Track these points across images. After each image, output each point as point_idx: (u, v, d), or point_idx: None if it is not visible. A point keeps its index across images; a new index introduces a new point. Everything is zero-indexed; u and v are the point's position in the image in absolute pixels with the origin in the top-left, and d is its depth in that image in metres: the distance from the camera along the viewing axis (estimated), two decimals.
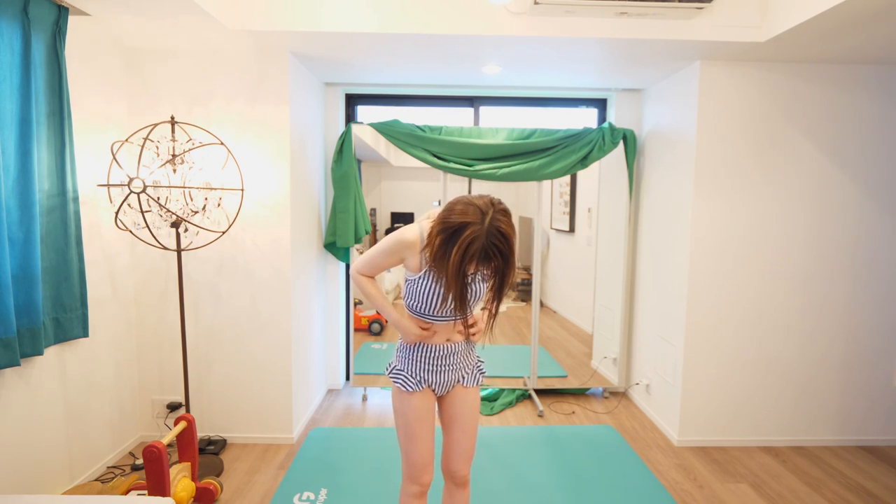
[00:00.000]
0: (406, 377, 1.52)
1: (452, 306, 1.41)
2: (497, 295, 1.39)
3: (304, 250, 2.91)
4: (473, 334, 1.54)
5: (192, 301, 2.65)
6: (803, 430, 2.79)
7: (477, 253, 1.25)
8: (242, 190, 2.45)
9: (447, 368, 1.54)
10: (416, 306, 1.48)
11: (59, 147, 2.01)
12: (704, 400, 2.76)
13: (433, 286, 1.42)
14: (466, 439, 1.57)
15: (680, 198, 2.78)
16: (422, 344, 1.51)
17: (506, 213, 1.29)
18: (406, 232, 1.42)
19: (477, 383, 1.61)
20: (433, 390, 1.55)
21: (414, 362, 1.52)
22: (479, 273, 1.37)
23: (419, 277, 1.44)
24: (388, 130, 3.15)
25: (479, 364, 1.64)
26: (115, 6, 2.02)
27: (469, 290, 1.42)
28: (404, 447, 1.53)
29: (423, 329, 1.49)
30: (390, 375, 1.55)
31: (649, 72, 2.87)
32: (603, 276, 3.50)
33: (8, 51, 1.78)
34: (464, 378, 1.58)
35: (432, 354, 1.51)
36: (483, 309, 1.56)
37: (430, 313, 1.47)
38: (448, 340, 1.53)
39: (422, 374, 1.52)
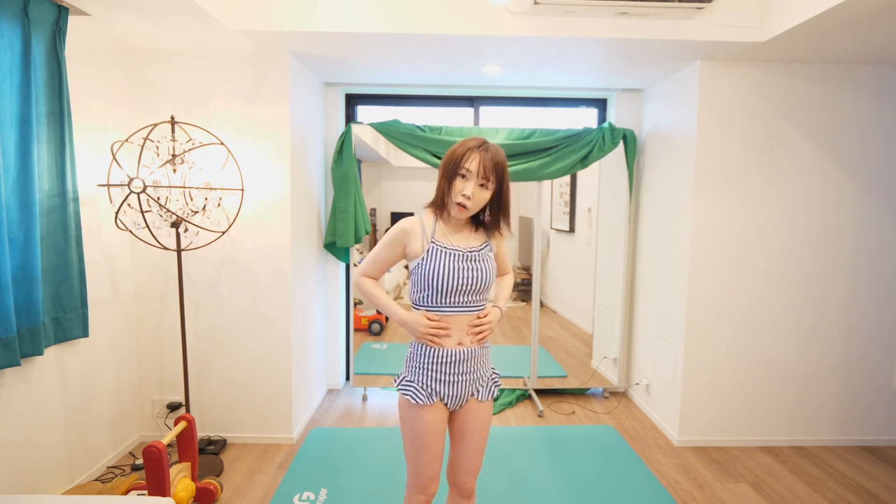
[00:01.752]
0: (417, 389, 1.44)
1: (456, 285, 1.40)
2: (495, 214, 1.47)
3: (304, 250, 2.91)
4: (483, 330, 1.46)
5: (192, 301, 2.65)
6: (803, 430, 2.79)
7: (475, 146, 1.38)
8: (242, 190, 2.46)
9: (461, 379, 1.45)
10: (425, 294, 1.43)
11: (59, 147, 2.01)
12: (704, 400, 2.76)
13: (438, 263, 1.40)
14: (476, 454, 1.52)
15: (680, 198, 2.78)
16: (432, 350, 1.44)
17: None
18: (405, 221, 1.48)
19: (491, 396, 1.53)
20: (445, 404, 1.47)
21: (425, 372, 1.44)
22: (479, 184, 1.39)
23: (423, 258, 1.42)
24: (388, 130, 3.15)
25: (494, 376, 1.56)
26: (115, 6, 2.02)
27: (476, 269, 1.43)
28: (412, 459, 1.47)
29: (431, 321, 1.42)
30: (399, 387, 1.47)
31: (649, 72, 2.87)
32: (603, 276, 3.50)
33: (8, 51, 1.78)
34: (479, 391, 1.50)
35: (444, 361, 1.43)
36: (494, 307, 1.54)
37: (437, 302, 1.42)
38: (460, 344, 1.44)
39: (433, 386, 1.44)
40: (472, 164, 1.36)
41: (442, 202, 1.43)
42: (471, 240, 1.48)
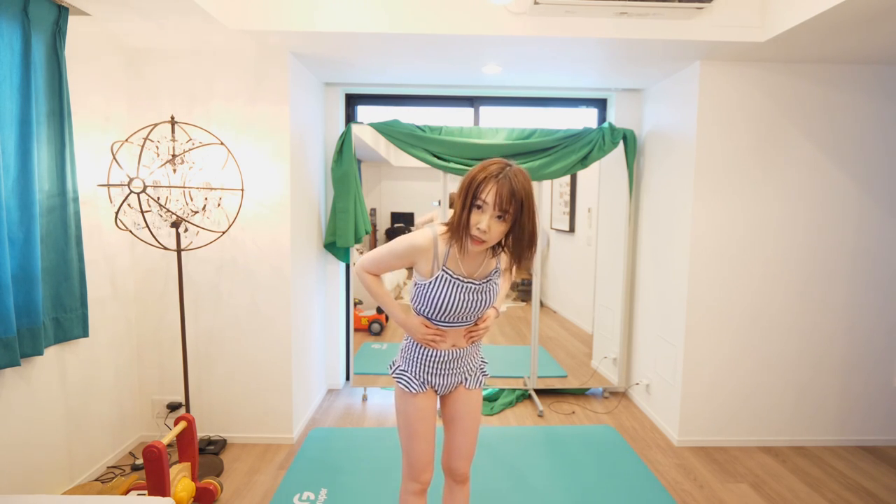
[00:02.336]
0: (410, 378, 1.52)
1: (459, 311, 1.43)
2: (517, 251, 1.36)
3: (304, 250, 2.91)
4: (477, 333, 1.52)
5: (192, 301, 2.65)
6: (803, 430, 2.79)
7: (493, 173, 1.26)
8: (242, 190, 2.45)
9: (451, 371, 1.53)
10: (425, 311, 1.47)
11: (59, 147, 2.01)
12: (704, 400, 2.76)
13: (444, 292, 1.41)
14: (467, 439, 1.57)
15: (680, 198, 2.78)
16: (427, 348, 1.50)
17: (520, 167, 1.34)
18: (418, 237, 1.40)
19: (480, 385, 1.61)
20: (436, 391, 1.55)
21: (418, 363, 1.52)
22: (497, 215, 1.29)
23: (430, 283, 1.42)
24: (388, 130, 3.15)
25: (482, 366, 1.63)
26: (115, 6, 2.02)
27: (480, 297, 1.43)
28: (405, 446, 1.53)
29: (430, 328, 1.47)
30: (394, 375, 1.56)
31: (649, 72, 2.87)
32: (603, 276, 3.50)
33: (8, 51, 1.78)
34: (467, 380, 1.57)
35: (437, 357, 1.51)
36: (491, 307, 1.56)
37: (438, 319, 1.46)
38: (454, 346, 1.52)
39: (425, 376, 1.52)
40: (489, 195, 1.26)
41: (459, 229, 1.32)
42: (483, 268, 1.45)
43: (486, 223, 1.28)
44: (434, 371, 1.52)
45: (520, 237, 1.32)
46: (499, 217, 1.29)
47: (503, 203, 1.26)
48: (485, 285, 1.45)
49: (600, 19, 2.28)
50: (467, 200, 1.29)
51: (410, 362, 1.53)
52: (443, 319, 1.46)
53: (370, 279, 1.51)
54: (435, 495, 2.14)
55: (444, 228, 1.40)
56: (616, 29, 2.29)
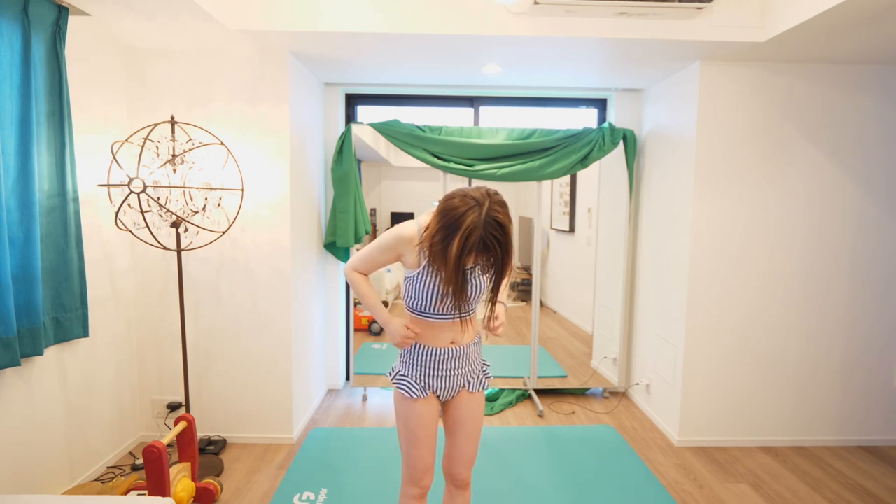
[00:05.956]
0: (410, 383, 1.48)
1: (452, 302, 1.40)
2: (495, 287, 1.39)
3: (304, 250, 2.91)
4: (496, 328, 1.48)
5: (192, 301, 2.65)
6: (803, 430, 2.79)
7: (475, 244, 1.24)
8: (242, 190, 2.45)
9: (453, 373, 1.50)
10: (417, 304, 1.45)
11: (59, 147, 2.01)
12: (704, 400, 2.76)
13: (433, 282, 1.40)
14: (470, 444, 1.55)
15: (680, 198, 2.78)
16: (426, 348, 1.48)
17: (502, 204, 1.28)
18: (404, 227, 1.41)
19: (483, 388, 1.58)
20: (437, 396, 1.52)
21: (418, 367, 1.49)
22: (478, 266, 1.35)
23: (418, 274, 1.42)
24: (388, 130, 3.15)
25: (484, 368, 1.61)
26: (115, 6, 2.02)
27: (469, 285, 1.41)
28: (406, 451, 1.51)
29: (410, 331, 1.45)
30: (394, 381, 1.52)
31: (649, 72, 2.87)
32: (603, 276, 3.50)
33: (8, 51, 1.78)
34: (469, 383, 1.54)
35: (437, 358, 1.48)
36: (498, 303, 1.53)
37: (431, 311, 1.45)
38: (452, 343, 1.49)
39: (426, 380, 1.49)
40: (471, 260, 1.29)
41: (449, 284, 1.32)
42: None
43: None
44: (434, 373, 1.48)
45: (499, 271, 1.34)
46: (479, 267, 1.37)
47: (485, 266, 1.34)
48: (472, 270, 1.42)
49: (600, 19, 2.28)
50: (451, 253, 1.26)
51: (410, 366, 1.50)
52: (436, 311, 1.44)
53: (357, 278, 1.51)
54: (435, 498, 2.15)
55: (428, 220, 1.39)
56: (616, 29, 2.29)
